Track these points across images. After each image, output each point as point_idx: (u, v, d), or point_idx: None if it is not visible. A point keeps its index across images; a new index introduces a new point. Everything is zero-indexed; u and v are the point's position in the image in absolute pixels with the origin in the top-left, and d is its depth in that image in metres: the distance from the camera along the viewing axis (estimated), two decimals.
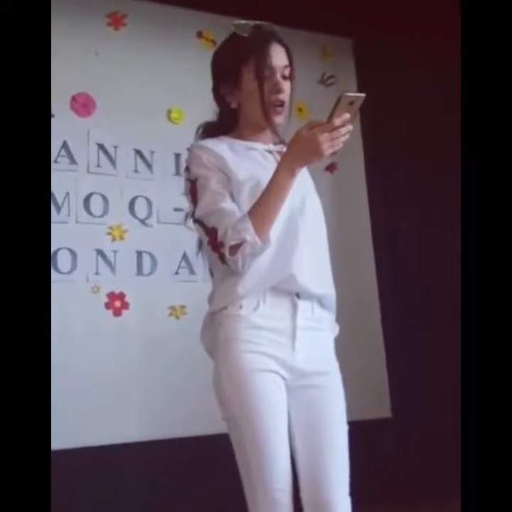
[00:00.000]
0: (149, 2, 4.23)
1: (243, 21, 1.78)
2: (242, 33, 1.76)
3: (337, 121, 1.59)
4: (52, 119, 3.93)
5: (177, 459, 3.79)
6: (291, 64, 1.80)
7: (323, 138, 1.59)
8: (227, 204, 1.68)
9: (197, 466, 3.80)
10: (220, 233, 1.64)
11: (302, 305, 1.71)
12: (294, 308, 1.69)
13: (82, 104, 4.04)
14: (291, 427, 1.69)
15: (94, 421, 3.68)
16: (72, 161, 3.97)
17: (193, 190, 1.74)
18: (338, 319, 4.51)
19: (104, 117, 4.06)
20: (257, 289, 1.67)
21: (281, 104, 1.77)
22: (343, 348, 4.46)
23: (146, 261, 4.03)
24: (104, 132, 4.05)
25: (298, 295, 1.71)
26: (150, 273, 4.03)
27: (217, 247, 1.65)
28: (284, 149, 1.76)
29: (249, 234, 1.61)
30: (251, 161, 1.77)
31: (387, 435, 4.55)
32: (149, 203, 4.09)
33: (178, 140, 4.04)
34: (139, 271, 4.02)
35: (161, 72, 4.22)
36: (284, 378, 1.67)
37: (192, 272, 4.05)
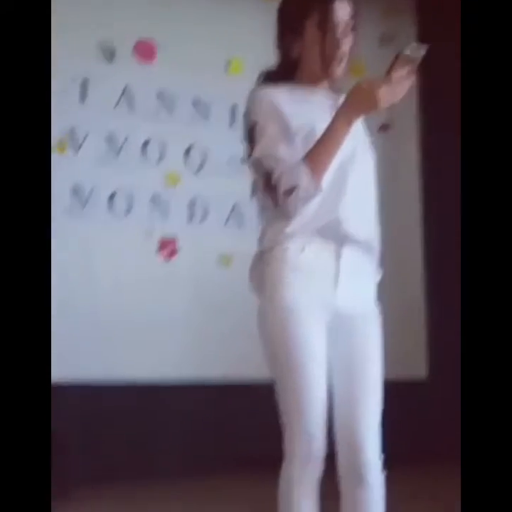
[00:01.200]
0: None
1: None
2: None
3: (395, 75, 1.62)
4: (114, 64, 4.04)
5: (219, 404, 3.94)
6: (355, 17, 1.82)
7: (382, 91, 1.62)
8: (283, 149, 1.72)
9: (238, 410, 3.94)
10: (274, 176, 1.69)
11: (346, 250, 1.76)
12: (338, 253, 1.75)
13: (144, 51, 4.10)
14: (329, 365, 1.75)
15: (140, 360, 3.84)
16: (132, 107, 4.06)
17: (251, 135, 1.78)
18: (381, 281, 4.56)
19: (164, 65, 4.13)
20: (303, 230, 1.73)
21: (342, 61, 1.80)
22: (383, 308, 4.53)
23: (199, 209, 4.14)
24: (163, 79, 4.12)
25: (342, 241, 1.76)
26: (201, 221, 4.13)
27: (271, 190, 1.70)
28: (341, 100, 1.79)
29: (303, 179, 1.67)
30: (307, 108, 1.80)
31: (422, 395, 4.63)
32: (204, 152, 4.17)
33: (236, 91, 4.09)
34: (191, 218, 4.13)
35: (221, 23, 4.25)
36: (325, 320, 1.73)
37: (242, 222, 4.14)
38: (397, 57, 1.62)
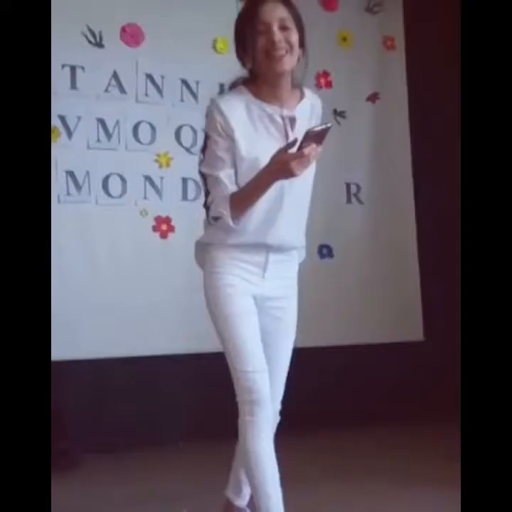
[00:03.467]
0: None
1: None
2: None
3: (306, 152, 1.89)
4: (103, 50, 4.14)
5: (213, 373, 4.10)
6: (293, 14, 1.99)
7: (294, 164, 1.90)
8: (225, 172, 2.02)
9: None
10: (208, 200, 2.05)
11: (274, 253, 2.12)
12: (268, 252, 2.10)
13: (131, 35, 4.20)
14: None
15: (138, 336, 4.00)
16: (122, 91, 4.17)
17: (204, 144, 2.09)
18: (376, 244, 4.68)
19: (152, 48, 4.22)
20: (242, 243, 2.07)
21: (281, 56, 1.97)
22: (379, 272, 4.65)
23: (191, 187, 4.26)
24: (152, 62, 4.22)
25: (272, 250, 2.11)
26: (194, 198, 4.26)
27: (205, 207, 2.08)
28: (297, 115, 2.07)
29: (225, 215, 2.00)
30: (259, 133, 2.03)
31: (418, 358, 4.76)
32: (194, 131, 4.27)
33: (224, 70, 4.18)
34: (184, 196, 4.26)
35: (206, 2, 4.32)
36: (253, 296, 2.08)
37: None
38: (306, 135, 1.87)
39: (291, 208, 2.09)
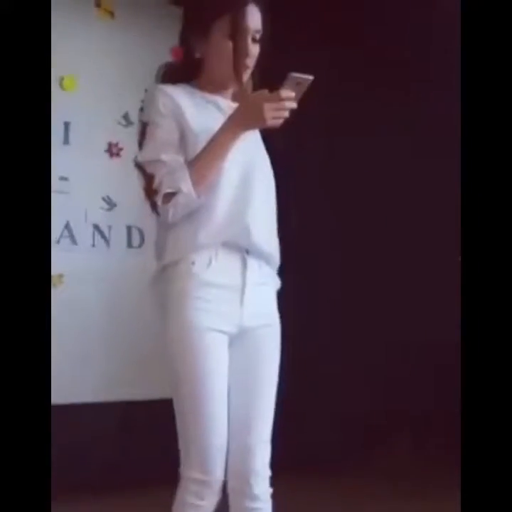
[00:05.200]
0: None
1: None
2: None
3: (283, 94, 1.62)
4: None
5: None
6: (264, 26, 1.79)
7: (267, 107, 1.63)
8: (170, 155, 1.70)
9: None
10: (156, 181, 1.68)
11: (251, 261, 1.76)
12: (244, 264, 1.74)
13: None
14: (229, 371, 1.74)
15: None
16: None
17: (142, 133, 1.76)
18: None
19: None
20: (211, 241, 1.71)
21: (247, 67, 1.79)
22: None
23: None
24: None
25: (248, 251, 1.76)
26: None
27: (151, 194, 1.69)
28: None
29: (185, 185, 1.65)
30: (209, 113, 1.78)
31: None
32: None
33: None
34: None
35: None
36: (229, 334, 1.73)
37: None
38: (285, 80, 1.63)
39: (261, 197, 1.78)
